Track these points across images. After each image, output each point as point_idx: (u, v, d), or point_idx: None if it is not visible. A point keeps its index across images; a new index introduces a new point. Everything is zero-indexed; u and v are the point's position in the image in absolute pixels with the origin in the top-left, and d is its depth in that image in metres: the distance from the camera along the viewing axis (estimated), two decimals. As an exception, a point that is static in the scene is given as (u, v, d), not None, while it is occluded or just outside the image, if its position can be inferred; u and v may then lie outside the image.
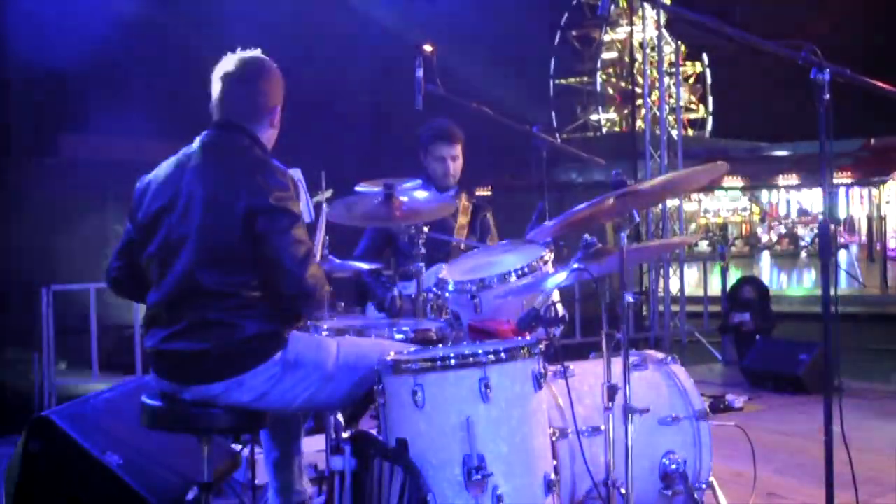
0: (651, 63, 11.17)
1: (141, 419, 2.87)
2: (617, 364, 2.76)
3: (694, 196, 32.05)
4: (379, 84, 12.91)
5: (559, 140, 4.30)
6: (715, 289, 10.32)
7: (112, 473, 3.46)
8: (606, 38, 40.40)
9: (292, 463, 3.36)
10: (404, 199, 3.42)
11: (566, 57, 40.71)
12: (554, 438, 2.76)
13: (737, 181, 30.67)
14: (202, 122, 2.92)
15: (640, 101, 11.69)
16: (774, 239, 34.61)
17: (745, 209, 36.67)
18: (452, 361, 2.52)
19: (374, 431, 2.80)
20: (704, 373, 7.82)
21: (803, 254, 30.79)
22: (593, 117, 40.83)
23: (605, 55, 40.90)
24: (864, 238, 27.23)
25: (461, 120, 4.39)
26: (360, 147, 11.53)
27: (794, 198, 34.83)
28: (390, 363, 2.58)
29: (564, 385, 2.86)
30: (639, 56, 12.80)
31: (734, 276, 10.33)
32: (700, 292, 10.41)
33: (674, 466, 3.01)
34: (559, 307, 3.04)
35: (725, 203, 36.48)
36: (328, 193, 3.76)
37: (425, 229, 3.57)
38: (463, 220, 4.46)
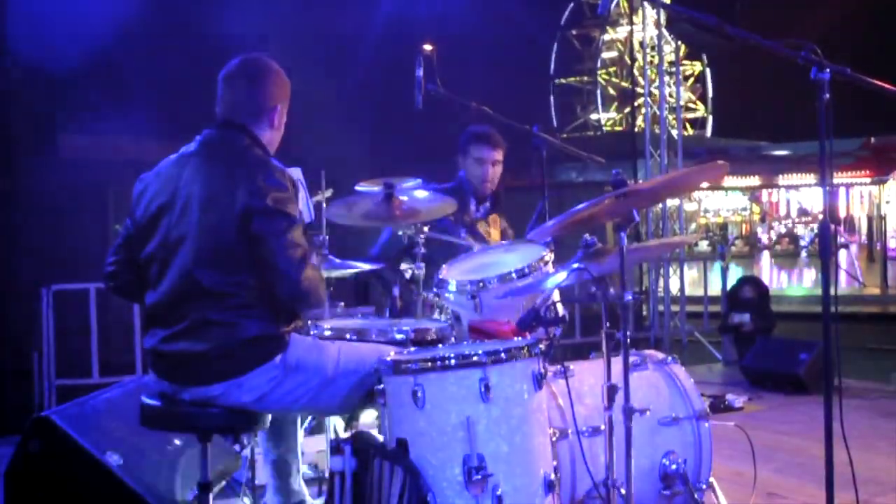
0: (651, 62, 11.15)
1: (141, 419, 2.87)
2: (617, 364, 2.75)
3: (694, 196, 32.02)
4: (379, 84, 12.91)
5: (559, 140, 4.28)
6: (715, 289, 10.33)
7: (112, 473, 3.45)
8: (606, 37, 40.41)
9: (291, 463, 3.36)
10: (404, 198, 3.42)
11: (566, 56, 40.73)
12: (554, 438, 2.76)
13: (737, 181, 30.67)
14: (202, 122, 2.91)
15: (640, 101, 11.69)
16: (774, 239, 34.63)
17: (745, 209, 36.67)
18: (452, 361, 2.52)
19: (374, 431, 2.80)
20: (704, 373, 7.82)
21: (803, 254, 30.79)
22: (593, 117, 40.82)
23: (606, 54, 40.90)
24: (864, 238, 27.23)
25: (461, 120, 4.38)
26: (361, 147, 11.52)
27: (794, 198, 34.84)
28: (390, 363, 2.58)
29: (564, 385, 2.86)
30: (639, 55, 12.76)
31: (734, 275, 10.34)
32: (700, 292, 10.42)
33: (674, 467, 3.01)
34: (559, 307, 3.04)
35: (725, 203, 36.49)
36: (328, 193, 3.75)
37: (425, 229, 3.57)
38: (496, 234, 4.40)
